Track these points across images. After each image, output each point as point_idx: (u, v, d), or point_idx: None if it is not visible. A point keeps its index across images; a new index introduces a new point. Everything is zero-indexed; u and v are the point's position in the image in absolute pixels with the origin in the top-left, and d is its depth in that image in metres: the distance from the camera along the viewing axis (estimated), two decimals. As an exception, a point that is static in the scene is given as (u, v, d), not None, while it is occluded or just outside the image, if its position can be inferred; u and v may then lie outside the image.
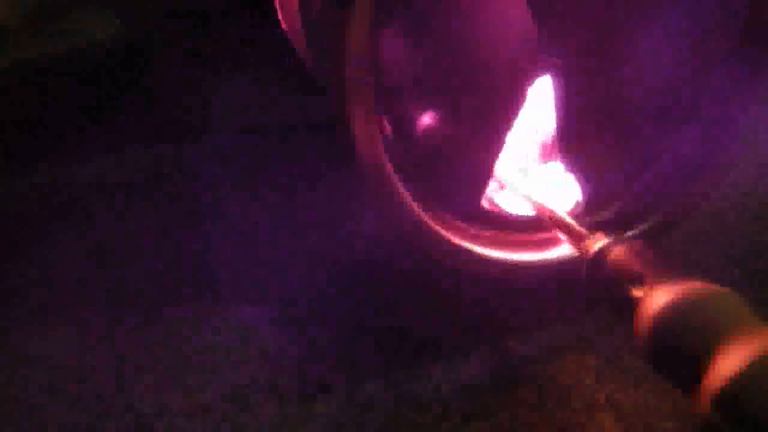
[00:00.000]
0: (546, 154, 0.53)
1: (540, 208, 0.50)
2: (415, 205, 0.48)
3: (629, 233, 0.53)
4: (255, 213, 0.64)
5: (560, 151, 0.53)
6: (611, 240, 0.44)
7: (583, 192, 0.54)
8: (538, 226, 0.53)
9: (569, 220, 0.48)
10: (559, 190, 0.54)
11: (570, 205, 0.54)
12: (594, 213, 0.54)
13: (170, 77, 0.79)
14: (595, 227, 0.53)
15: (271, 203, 0.65)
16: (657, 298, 0.38)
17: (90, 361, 0.52)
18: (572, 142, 0.52)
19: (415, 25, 0.48)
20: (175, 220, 0.64)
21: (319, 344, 0.52)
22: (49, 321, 0.55)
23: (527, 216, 0.53)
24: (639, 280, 0.40)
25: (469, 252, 0.49)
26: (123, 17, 0.87)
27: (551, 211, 0.49)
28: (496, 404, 0.47)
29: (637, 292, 0.40)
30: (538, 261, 0.51)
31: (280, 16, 0.72)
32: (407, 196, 0.47)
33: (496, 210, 0.52)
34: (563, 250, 0.52)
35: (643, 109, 0.52)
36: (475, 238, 0.51)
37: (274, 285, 0.56)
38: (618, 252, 0.43)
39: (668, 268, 0.40)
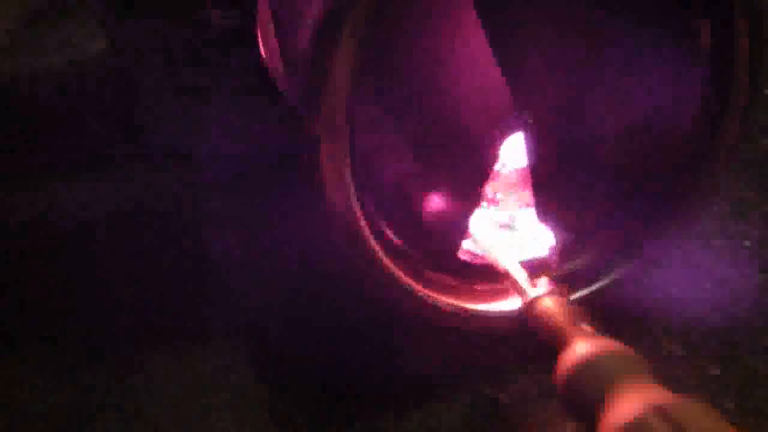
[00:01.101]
0: (521, 204, 0.55)
1: (493, 259, 0.52)
2: (385, 259, 0.49)
3: (574, 289, 0.54)
4: (240, 242, 0.65)
5: (534, 201, 0.54)
6: (539, 295, 0.48)
7: (557, 240, 0.55)
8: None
9: (516, 273, 0.50)
10: (534, 238, 0.55)
11: (545, 252, 0.55)
12: (568, 261, 0.55)
13: (156, 103, 0.80)
14: (569, 275, 0.55)
15: (254, 233, 0.66)
16: (569, 354, 0.43)
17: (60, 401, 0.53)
18: (545, 192, 0.54)
19: (389, 84, 0.49)
20: (156, 251, 0.65)
21: (296, 390, 0.53)
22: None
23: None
24: (560, 335, 0.45)
25: (445, 306, 0.51)
26: (111, 36, 0.87)
27: (501, 263, 0.51)
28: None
29: (557, 346, 0.44)
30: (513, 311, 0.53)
31: (261, 50, 0.73)
32: (379, 251, 0.48)
33: (474, 261, 0.54)
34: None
35: (605, 164, 0.54)
36: (450, 290, 0.53)
37: (253, 323, 0.58)
38: (543, 308, 0.47)
39: (582, 326, 0.45)
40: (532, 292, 0.48)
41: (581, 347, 0.42)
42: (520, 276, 0.50)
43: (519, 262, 0.51)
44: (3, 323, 0.59)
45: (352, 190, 0.47)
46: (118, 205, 0.70)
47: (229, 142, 0.77)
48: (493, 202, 0.54)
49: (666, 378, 0.52)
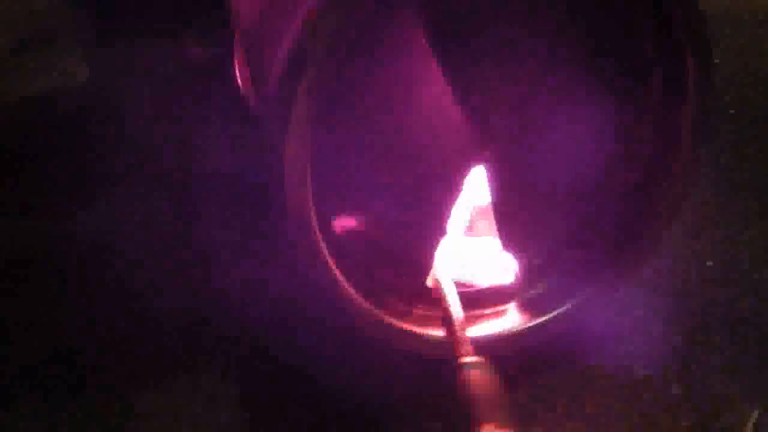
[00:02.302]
0: (484, 233, 0.57)
1: (445, 304, 0.53)
2: (354, 294, 0.51)
3: (538, 314, 0.56)
4: (222, 272, 0.66)
5: (498, 231, 0.56)
6: (466, 363, 0.49)
7: (521, 267, 0.57)
8: (485, 300, 0.57)
9: (457, 327, 0.52)
10: (496, 266, 0.57)
11: (509, 279, 0.57)
12: (531, 287, 0.58)
13: (136, 128, 0.81)
14: (533, 301, 0.57)
15: (236, 261, 0.68)
16: None
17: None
18: (508, 222, 0.56)
19: (351, 123, 0.51)
20: (138, 282, 0.66)
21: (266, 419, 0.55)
22: None
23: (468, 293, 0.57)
24: (473, 412, 0.47)
25: (417, 335, 0.53)
26: (93, 67, 0.89)
27: (450, 311, 0.52)
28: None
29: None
30: (479, 337, 0.55)
31: (239, 80, 0.75)
32: (347, 287, 0.51)
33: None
34: (506, 322, 0.56)
35: (564, 195, 0.56)
36: (423, 320, 0.55)
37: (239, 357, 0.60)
38: (467, 377, 0.48)
39: (494, 411, 0.47)
40: (462, 355, 0.50)
41: None
42: (460, 331, 0.51)
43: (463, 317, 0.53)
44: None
45: (315, 222, 0.49)
46: (101, 233, 0.71)
47: (212, 167, 0.78)
48: (462, 231, 0.56)
49: (628, 398, 0.55)
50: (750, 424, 0.52)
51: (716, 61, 0.61)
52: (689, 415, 0.54)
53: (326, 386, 0.57)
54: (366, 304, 0.51)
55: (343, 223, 0.53)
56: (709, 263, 0.64)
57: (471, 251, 0.57)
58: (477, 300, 0.57)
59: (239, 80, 0.75)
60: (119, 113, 0.82)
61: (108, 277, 0.66)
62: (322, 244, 0.50)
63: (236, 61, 0.74)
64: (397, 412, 0.55)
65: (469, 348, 0.50)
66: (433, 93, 0.51)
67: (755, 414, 0.53)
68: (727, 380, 0.56)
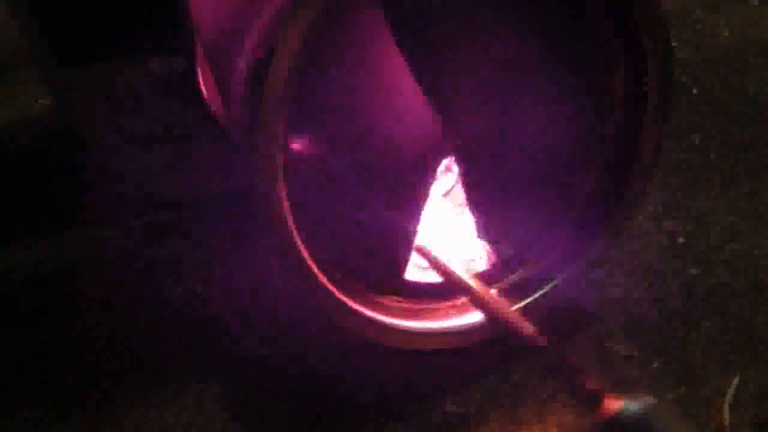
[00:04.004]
0: (459, 222, 0.57)
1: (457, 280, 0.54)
2: (329, 284, 0.51)
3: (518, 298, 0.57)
4: (202, 288, 0.66)
5: (473, 218, 0.57)
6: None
7: (498, 253, 0.58)
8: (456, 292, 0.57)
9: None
10: (472, 255, 0.58)
11: (483, 267, 0.58)
12: (509, 272, 0.58)
13: (102, 154, 0.80)
14: (512, 287, 0.58)
15: (216, 277, 0.68)
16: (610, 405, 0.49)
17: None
18: (483, 209, 0.57)
19: (320, 117, 0.52)
20: (118, 302, 0.66)
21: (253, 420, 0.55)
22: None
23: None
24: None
25: (393, 327, 0.53)
26: (55, 94, 0.89)
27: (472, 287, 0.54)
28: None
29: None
30: (461, 326, 0.56)
31: (203, 92, 0.75)
32: (322, 278, 0.51)
33: (422, 281, 0.56)
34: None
35: (536, 179, 0.57)
36: (401, 312, 0.55)
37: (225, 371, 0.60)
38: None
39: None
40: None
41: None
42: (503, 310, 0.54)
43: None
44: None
45: (291, 218, 0.49)
46: (71, 261, 0.71)
47: (181, 188, 0.78)
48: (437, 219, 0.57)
49: (609, 376, 0.55)
50: (729, 394, 0.53)
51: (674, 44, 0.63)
52: (671, 389, 0.55)
53: (314, 383, 0.57)
54: (338, 293, 0.51)
55: (315, 212, 0.53)
56: (681, 240, 0.65)
57: (445, 239, 0.57)
58: (450, 289, 0.57)
59: (203, 92, 0.75)
60: (84, 139, 0.81)
61: (84, 301, 0.66)
62: (296, 236, 0.50)
63: (199, 72, 0.75)
64: (389, 405, 0.56)
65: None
66: (400, 85, 0.51)
67: (734, 383, 0.54)
68: (705, 353, 0.57)
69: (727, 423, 0.52)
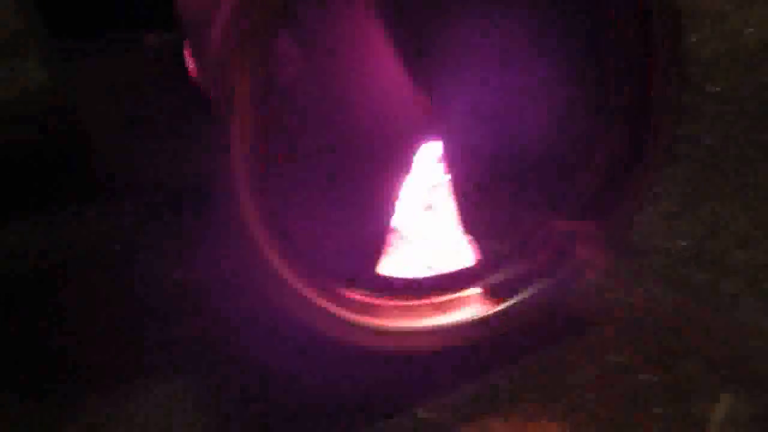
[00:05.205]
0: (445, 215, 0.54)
1: None
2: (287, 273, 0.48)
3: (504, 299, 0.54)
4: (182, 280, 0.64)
5: (459, 212, 0.53)
6: None
7: (487, 250, 0.54)
8: (438, 288, 0.54)
9: None
10: (457, 250, 0.54)
11: (468, 264, 0.54)
12: (498, 270, 0.54)
13: (100, 140, 0.79)
14: (500, 285, 0.54)
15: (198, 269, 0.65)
16: None
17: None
18: (472, 203, 0.53)
19: (299, 98, 0.49)
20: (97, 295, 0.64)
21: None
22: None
23: (426, 278, 0.53)
24: None
25: (362, 325, 0.50)
26: (51, 74, 0.87)
27: None
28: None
29: None
30: (441, 325, 0.52)
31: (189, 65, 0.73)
32: (291, 275, 0.48)
33: (396, 276, 0.53)
34: (465, 312, 0.53)
35: (530, 173, 0.53)
36: (377, 310, 0.52)
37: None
38: None
39: None
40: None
41: None
42: None
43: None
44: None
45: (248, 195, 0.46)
46: (68, 242, 0.69)
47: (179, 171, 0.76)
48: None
49: (600, 386, 0.52)
50: (721, 410, 0.49)
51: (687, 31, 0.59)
52: (661, 402, 0.51)
53: (278, 383, 0.54)
54: (306, 290, 0.48)
55: (289, 205, 0.50)
56: (684, 243, 0.61)
57: (429, 234, 0.54)
58: (437, 285, 0.54)
59: (191, 71, 0.73)
60: (82, 120, 0.80)
61: (68, 291, 0.64)
62: (261, 227, 0.47)
63: (186, 53, 0.72)
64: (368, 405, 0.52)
65: None
66: (381, 63, 0.48)
67: (726, 398, 0.50)
68: (699, 367, 0.53)
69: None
